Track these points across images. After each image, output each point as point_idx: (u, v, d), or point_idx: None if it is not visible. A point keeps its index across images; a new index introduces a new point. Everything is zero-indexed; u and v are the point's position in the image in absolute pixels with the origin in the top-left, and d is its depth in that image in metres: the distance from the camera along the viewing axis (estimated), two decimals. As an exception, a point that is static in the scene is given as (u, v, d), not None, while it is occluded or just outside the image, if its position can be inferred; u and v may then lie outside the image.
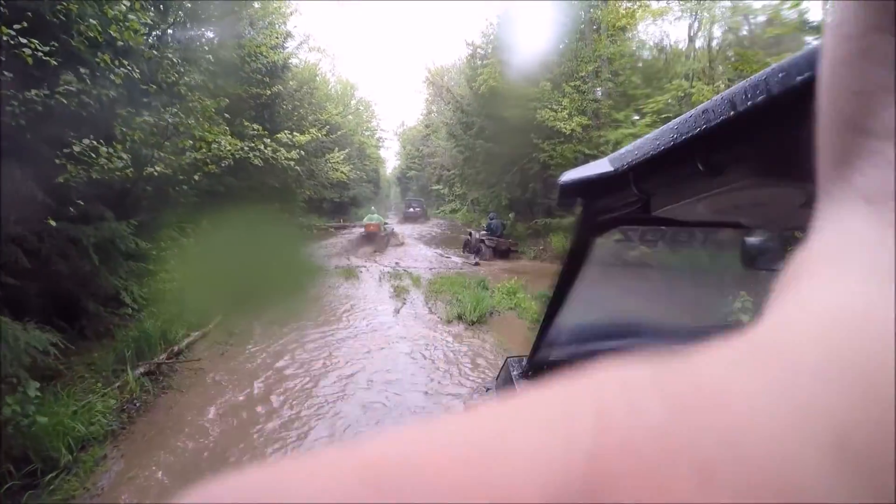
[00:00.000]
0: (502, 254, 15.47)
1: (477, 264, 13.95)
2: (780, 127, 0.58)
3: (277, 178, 17.57)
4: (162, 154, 5.90)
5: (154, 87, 6.26)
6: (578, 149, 13.76)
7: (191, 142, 7.05)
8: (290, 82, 19.85)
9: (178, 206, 7.59)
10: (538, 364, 1.79)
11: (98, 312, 6.78)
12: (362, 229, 17.54)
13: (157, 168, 5.47)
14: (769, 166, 0.67)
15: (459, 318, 7.93)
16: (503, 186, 17.62)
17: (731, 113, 0.62)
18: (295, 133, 16.96)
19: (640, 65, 15.35)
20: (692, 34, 18.50)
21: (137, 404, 5.34)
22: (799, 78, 0.51)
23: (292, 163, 16.30)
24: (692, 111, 0.72)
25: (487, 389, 2.49)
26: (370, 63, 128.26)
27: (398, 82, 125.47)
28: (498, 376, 2.15)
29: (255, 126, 9.12)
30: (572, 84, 13.82)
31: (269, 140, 16.31)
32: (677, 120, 0.76)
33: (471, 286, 9.88)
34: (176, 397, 5.55)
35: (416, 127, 51.31)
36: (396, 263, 13.89)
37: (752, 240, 1.30)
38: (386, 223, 18.73)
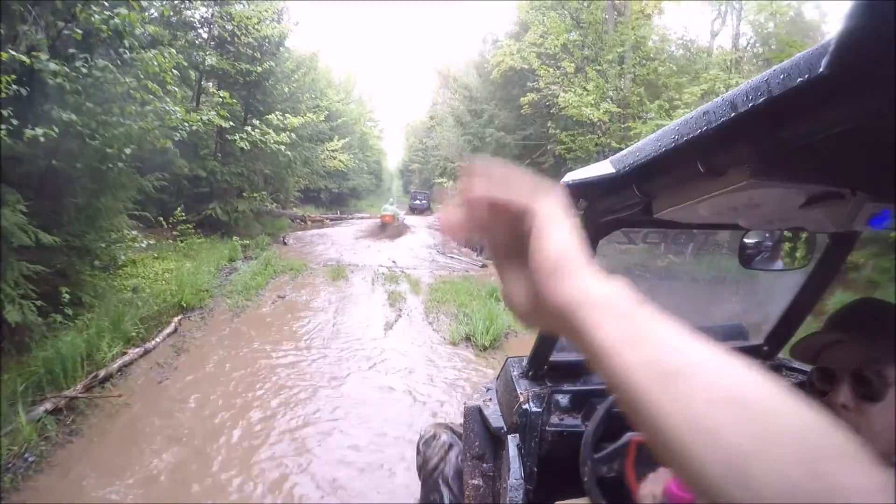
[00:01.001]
0: None
1: (484, 266, 12.44)
2: (781, 128, 0.59)
3: (269, 164, 16.14)
4: (73, 117, 4.35)
5: (78, 31, 4.74)
6: (602, 141, 12.21)
7: (136, 107, 5.51)
8: (287, 63, 18.32)
9: (121, 188, 6.01)
10: (539, 365, 1.77)
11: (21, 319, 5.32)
12: (379, 219, 19.34)
13: (43, 131, 3.93)
14: (770, 168, 0.68)
15: (468, 339, 6.46)
16: (513, 181, 16.03)
17: (732, 114, 0.62)
18: (287, 115, 15.50)
19: (665, 56, 13.97)
20: (715, 30, 17.51)
21: (30, 459, 3.87)
22: (800, 79, 0.51)
23: (283, 147, 14.84)
24: (693, 112, 0.72)
25: (487, 390, 2.17)
26: (376, 54, 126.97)
27: (404, 74, 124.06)
28: (498, 377, 2.08)
29: (222, 93, 7.39)
30: (596, 69, 12.25)
31: (257, 122, 14.96)
32: (678, 121, 0.76)
33: (479, 295, 8.38)
34: (83, 449, 4.08)
35: (421, 119, 49.89)
36: (394, 262, 12.37)
37: (750, 240, 1.42)
38: (398, 214, 20.56)
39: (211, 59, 14.37)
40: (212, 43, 15.12)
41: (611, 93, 11.63)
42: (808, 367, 1.46)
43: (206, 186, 14.39)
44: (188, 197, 14.10)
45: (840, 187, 0.76)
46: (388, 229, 18.16)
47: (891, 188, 0.78)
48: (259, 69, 15.08)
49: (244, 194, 15.18)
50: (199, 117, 6.67)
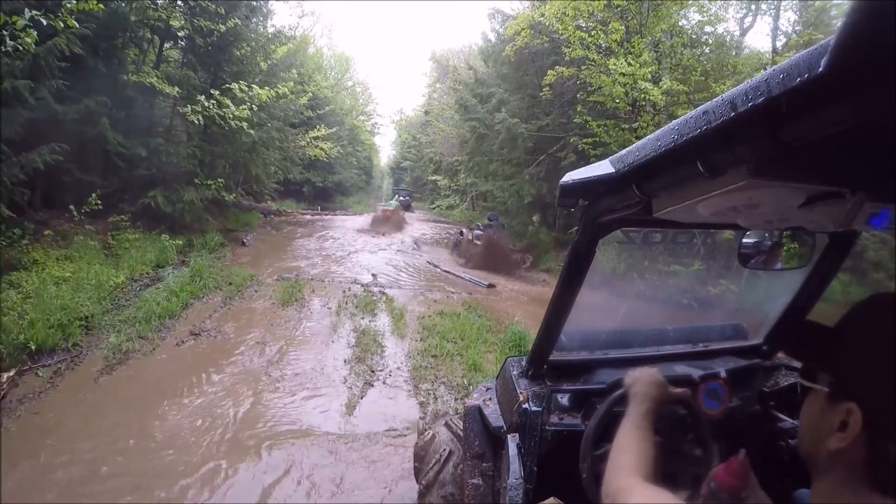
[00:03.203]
0: (498, 264, 11.72)
1: (491, 286, 9.65)
2: (781, 128, 0.60)
3: (229, 146, 13.27)
4: None
5: None
6: (647, 133, 9.38)
7: None
8: (264, 32, 15.50)
9: None
10: (539, 364, 1.77)
11: None
12: (380, 212, 20.79)
13: None
14: (769, 167, 0.68)
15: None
16: (525, 179, 13.25)
17: (732, 114, 0.63)
18: (253, 86, 12.63)
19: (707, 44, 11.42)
20: (744, 27, 15.53)
21: None
22: (799, 79, 0.52)
23: (244, 124, 11.94)
24: (693, 112, 0.74)
25: (487, 389, 2.07)
26: (370, 45, 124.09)
27: (398, 68, 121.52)
28: (498, 376, 2.03)
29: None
30: (644, 41, 9.50)
31: (216, 92, 12.12)
32: (678, 121, 0.78)
33: (498, 343, 5.59)
34: None
35: (416, 114, 47.31)
36: (372, 277, 9.53)
37: (749, 240, 1.47)
38: (399, 209, 22.69)
39: (176, 21, 11.73)
40: (179, 3, 12.41)
41: (668, 69, 8.90)
42: None
43: (148, 169, 11.46)
44: (125, 181, 11.23)
45: (839, 187, 0.77)
46: (390, 221, 19.49)
47: (891, 188, 0.79)
48: (223, 28, 12.14)
49: (196, 181, 12.23)
50: (31, 38, 3.79)
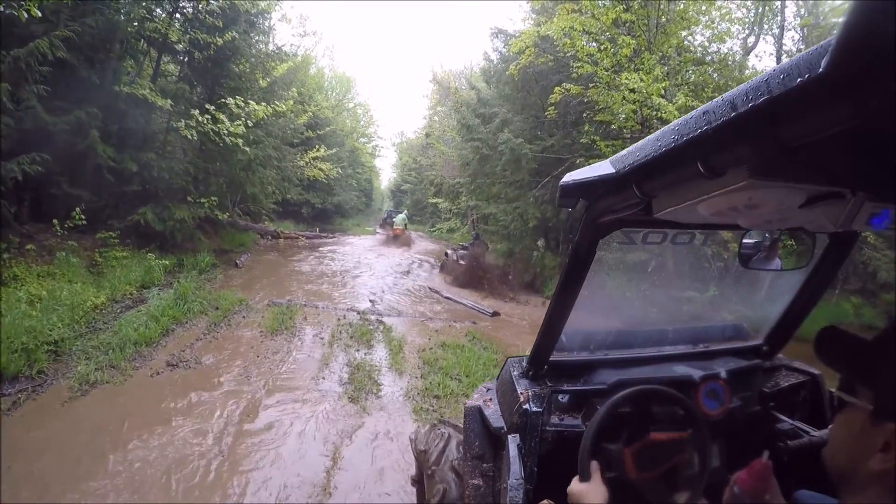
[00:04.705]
0: (482, 279, 12.01)
1: (495, 315, 9.12)
2: (781, 128, 0.58)
3: (224, 163, 12.87)
4: None
5: None
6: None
7: None
8: (265, 47, 15.29)
9: None
10: (539, 364, 1.76)
11: None
12: (390, 231, 22.24)
13: None
14: (769, 167, 0.67)
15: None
16: (530, 202, 12.80)
17: (732, 114, 0.62)
18: (250, 102, 12.28)
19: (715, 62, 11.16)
20: (749, 46, 15.36)
21: None
22: (799, 79, 0.51)
23: (239, 141, 11.55)
24: (693, 112, 0.73)
25: (487, 390, 2.05)
26: (373, 69, 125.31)
27: (400, 91, 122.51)
28: (498, 376, 2.02)
29: None
30: (654, 58, 9.16)
31: (211, 107, 11.76)
32: (678, 121, 0.77)
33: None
34: None
35: (416, 137, 47.20)
36: (371, 303, 9.01)
37: (750, 240, 1.48)
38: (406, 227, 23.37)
39: (174, 34, 11.49)
40: (178, 16, 12.19)
41: (677, 86, 8.53)
42: (808, 368, 1.87)
43: (139, 185, 11.02)
44: (115, 196, 10.80)
45: (840, 187, 0.76)
46: (399, 239, 20.85)
47: (891, 188, 0.77)
48: (220, 41, 11.83)
49: (189, 198, 11.77)
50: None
